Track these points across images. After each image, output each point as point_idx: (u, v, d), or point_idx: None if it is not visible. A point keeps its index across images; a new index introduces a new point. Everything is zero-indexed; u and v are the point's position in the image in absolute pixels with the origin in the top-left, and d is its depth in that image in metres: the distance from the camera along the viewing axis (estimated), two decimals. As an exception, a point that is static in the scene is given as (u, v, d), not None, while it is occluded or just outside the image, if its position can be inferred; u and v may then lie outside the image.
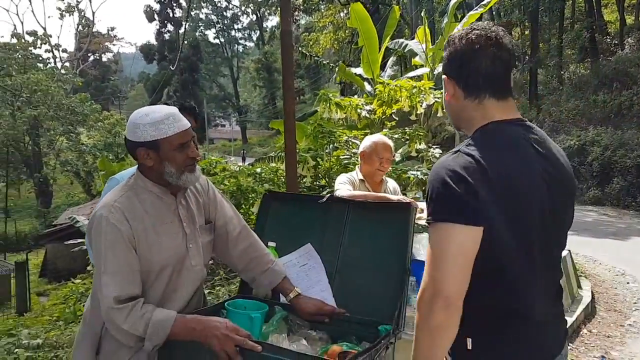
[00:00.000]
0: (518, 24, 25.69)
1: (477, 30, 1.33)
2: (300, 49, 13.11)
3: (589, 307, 5.20)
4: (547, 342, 1.35)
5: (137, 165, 1.70)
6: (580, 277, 6.03)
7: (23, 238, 21.84)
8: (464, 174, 1.20)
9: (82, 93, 24.87)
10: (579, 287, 5.65)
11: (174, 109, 1.64)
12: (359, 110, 7.26)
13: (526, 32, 24.97)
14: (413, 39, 10.46)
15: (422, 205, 2.82)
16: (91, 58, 40.70)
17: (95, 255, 1.54)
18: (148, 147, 1.59)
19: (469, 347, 1.29)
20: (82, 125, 24.18)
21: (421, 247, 2.53)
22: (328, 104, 7.09)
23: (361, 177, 2.97)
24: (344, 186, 2.80)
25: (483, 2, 8.85)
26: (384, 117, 7.09)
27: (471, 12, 8.80)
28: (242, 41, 50.26)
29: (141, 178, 1.65)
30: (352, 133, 6.47)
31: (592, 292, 5.64)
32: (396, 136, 6.32)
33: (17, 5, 41.72)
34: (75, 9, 32.12)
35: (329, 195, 2.11)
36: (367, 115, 7.45)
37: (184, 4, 41.01)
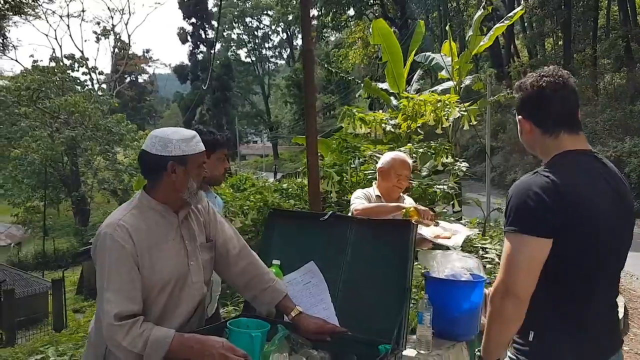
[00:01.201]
0: (551, 34, 25.28)
1: (546, 77, 1.55)
2: (325, 65, 13.17)
3: (621, 324, 4.99)
4: (599, 348, 1.53)
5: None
6: (615, 293, 5.80)
7: (61, 256, 22.46)
8: (540, 192, 1.42)
9: (118, 113, 25.63)
10: (613, 303, 5.42)
11: (196, 132, 1.75)
12: (383, 125, 7.24)
13: (560, 43, 24.53)
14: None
15: (444, 224, 2.79)
16: (128, 79, 42.03)
17: (99, 272, 1.59)
18: (178, 161, 1.66)
19: (530, 338, 1.51)
20: (119, 144, 24.87)
21: (436, 264, 2.48)
22: (352, 119, 7.10)
23: (378, 193, 2.95)
24: (359, 200, 2.80)
25: (510, 15, 8.76)
26: (409, 131, 7.05)
27: (497, 25, 8.70)
28: (273, 59, 51.06)
29: (146, 197, 1.71)
30: (376, 147, 6.45)
31: (625, 307, 5.41)
32: (421, 150, 6.26)
33: (55, 30, 43.56)
34: (111, 32, 33.31)
35: (330, 212, 2.10)
36: (392, 130, 7.43)
37: (216, 25, 42.07)
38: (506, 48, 27.27)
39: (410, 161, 3.00)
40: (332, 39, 41.59)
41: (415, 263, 3.62)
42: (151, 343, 1.50)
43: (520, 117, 1.62)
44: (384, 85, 9.76)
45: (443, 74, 9.32)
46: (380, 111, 8.86)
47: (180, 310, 1.70)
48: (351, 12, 33.44)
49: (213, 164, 2.39)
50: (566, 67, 20.70)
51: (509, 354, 1.56)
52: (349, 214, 2.77)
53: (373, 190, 2.98)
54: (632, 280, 7.19)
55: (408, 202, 3.09)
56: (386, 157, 3.00)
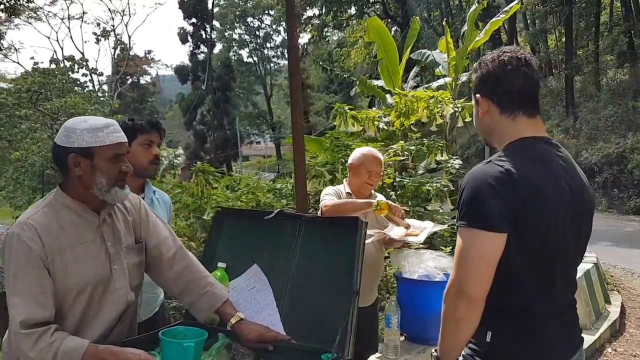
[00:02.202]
0: (553, 31, 25.07)
1: (508, 52, 1.46)
2: (322, 64, 13.06)
3: (617, 324, 4.86)
4: (558, 344, 1.44)
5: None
6: (611, 291, 5.66)
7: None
8: (493, 183, 1.32)
9: (119, 115, 25.60)
10: (607, 302, 5.29)
11: (113, 121, 1.59)
12: (376, 123, 7.14)
13: (562, 39, 24.31)
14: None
15: (414, 222, 2.69)
16: (129, 81, 42.00)
17: (6, 276, 1.47)
18: (80, 154, 1.51)
19: (488, 339, 1.42)
20: (120, 146, 24.76)
21: (407, 264, 2.38)
22: (344, 117, 7.00)
23: (348, 191, 2.85)
24: (329, 197, 2.69)
25: (505, 9, 8.63)
26: (402, 128, 6.95)
27: (493, 20, 8.57)
28: (274, 59, 50.93)
29: (60, 194, 1.57)
30: (367, 145, 6.34)
31: (622, 307, 5.27)
32: (413, 147, 6.15)
33: (57, 33, 43.68)
34: (111, 33, 33.30)
35: (277, 210, 1.99)
36: (386, 128, 7.33)
37: (217, 25, 42.03)
38: (508, 45, 27.02)
39: (382, 157, 2.90)
40: (335, 38, 41.46)
41: (389, 263, 3.53)
42: (61, 355, 1.38)
43: (478, 95, 1.51)
44: (380, 83, 9.67)
45: (439, 70, 9.22)
46: (374, 108, 8.77)
47: (101, 319, 1.56)
48: (352, 10, 33.32)
49: (135, 152, 2.18)
50: (568, 63, 20.62)
51: (463, 353, 1.47)
52: (319, 213, 2.66)
53: (344, 188, 2.88)
54: (633, 278, 7.04)
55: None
56: (356, 153, 2.89)
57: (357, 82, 10.56)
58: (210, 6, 36.17)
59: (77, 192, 1.56)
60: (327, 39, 39.25)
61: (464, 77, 8.60)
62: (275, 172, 32.00)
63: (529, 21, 26.69)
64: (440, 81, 8.98)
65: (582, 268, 4.91)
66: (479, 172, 1.38)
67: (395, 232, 2.52)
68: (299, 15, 31.97)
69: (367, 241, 2.62)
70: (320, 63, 13.33)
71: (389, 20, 31.21)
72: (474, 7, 8.48)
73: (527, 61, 1.45)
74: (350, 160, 2.91)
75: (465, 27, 8.82)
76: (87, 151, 1.51)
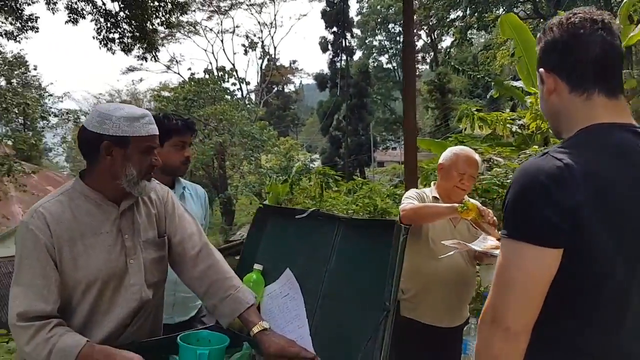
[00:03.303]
0: None
1: (580, 14, 1.15)
2: (457, 66, 12.44)
3: None
4: None
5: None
6: None
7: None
8: (546, 181, 1.03)
9: (261, 121, 27.24)
10: None
11: (148, 112, 1.52)
12: (508, 125, 6.54)
13: None
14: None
15: None
16: (275, 89, 44.58)
17: (14, 265, 1.43)
18: (115, 142, 1.45)
19: None
20: (261, 150, 26.39)
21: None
22: (471, 120, 6.52)
23: (435, 195, 2.53)
24: (408, 201, 2.40)
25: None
26: (538, 131, 6.27)
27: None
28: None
29: (79, 183, 1.51)
30: (495, 150, 5.81)
31: None
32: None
33: (212, 45, 48.22)
34: (257, 45, 35.62)
35: (311, 210, 1.76)
36: (520, 131, 6.68)
37: (358, 32, 42.70)
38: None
39: (478, 158, 2.52)
40: (482, 40, 39.71)
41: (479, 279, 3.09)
42: (56, 352, 1.31)
43: (542, 70, 1.19)
44: (520, 84, 8.90)
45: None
46: (507, 111, 8.05)
47: (112, 316, 1.48)
48: (500, 11, 31.56)
49: (167, 152, 2.17)
50: None
51: None
52: (398, 218, 2.38)
53: (430, 191, 2.56)
54: None
55: None
56: (448, 153, 2.57)
57: (493, 84, 9.83)
58: (351, 14, 36.93)
59: (100, 181, 1.51)
60: (471, 42, 37.67)
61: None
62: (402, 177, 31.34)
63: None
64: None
65: None
66: (530, 167, 1.08)
67: (482, 243, 2.15)
68: (457, 19, 31.13)
69: (445, 255, 2.30)
70: (457, 66, 12.68)
71: (541, 20, 28.99)
72: (628, -2, 7.36)
73: (605, 24, 1.12)
74: (440, 160, 2.60)
75: (617, 21, 7.73)
76: (122, 140, 1.46)
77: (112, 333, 1.49)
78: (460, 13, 32.51)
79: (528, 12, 29.49)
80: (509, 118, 6.41)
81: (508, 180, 5.14)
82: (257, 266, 1.80)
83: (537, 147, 5.56)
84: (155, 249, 1.61)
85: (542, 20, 27.94)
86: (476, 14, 30.55)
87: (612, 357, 1.07)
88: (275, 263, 1.79)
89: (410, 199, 2.46)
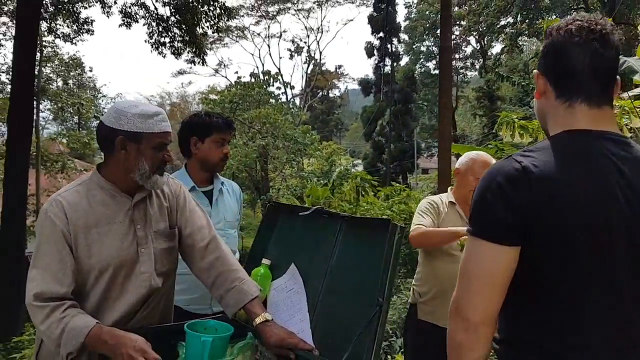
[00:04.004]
0: None
1: (579, 21, 1.16)
2: (506, 75, 12.19)
3: None
4: None
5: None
6: None
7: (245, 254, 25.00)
8: (502, 182, 1.08)
9: (304, 125, 27.47)
10: None
11: (162, 110, 1.61)
12: (549, 134, 6.40)
13: None
14: None
15: None
16: (320, 94, 44.92)
17: (34, 248, 1.54)
18: (129, 137, 1.54)
19: None
20: (304, 154, 26.61)
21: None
22: (511, 127, 6.41)
23: (452, 199, 2.54)
24: (420, 218, 2.42)
25: None
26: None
27: None
28: (462, 70, 49.54)
29: (96, 174, 1.61)
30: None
31: None
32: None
33: (259, 50, 49.15)
34: (303, 50, 36.02)
35: (315, 208, 1.81)
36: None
37: (405, 38, 42.43)
38: None
39: (493, 161, 2.51)
40: (534, 47, 38.73)
41: None
42: (68, 331, 1.40)
43: (536, 71, 1.23)
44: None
45: (637, 78, 7.84)
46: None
47: (123, 301, 1.56)
48: (553, 17, 30.71)
49: (207, 148, 2.28)
50: None
51: None
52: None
53: (447, 197, 2.57)
54: None
55: None
56: (464, 158, 2.57)
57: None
58: (399, 20, 36.77)
59: (115, 174, 1.60)
60: (521, 49, 36.77)
61: (671, 85, 7.20)
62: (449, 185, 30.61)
63: None
64: (637, 90, 7.66)
65: None
66: (492, 169, 1.14)
67: None
68: (507, 26, 30.58)
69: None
70: (502, 73, 12.44)
71: (596, 25, 28.03)
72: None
73: (602, 34, 1.12)
74: (456, 165, 2.61)
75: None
76: (136, 136, 1.55)
77: (123, 317, 1.57)
78: (510, 19, 31.81)
79: (582, 19, 28.58)
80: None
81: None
82: (265, 261, 1.86)
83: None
84: (166, 240, 1.69)
85: (597, 26, 26.96)
86: (527, 21, 29.82)
87: (571, 354, 1.07)
88: (283, 258, 1.85)
89: (422, 216, 2.49)
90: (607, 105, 1.16)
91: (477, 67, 50.50)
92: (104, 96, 26.51)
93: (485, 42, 47.12)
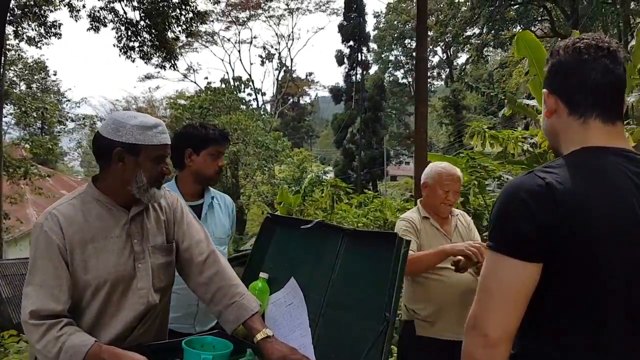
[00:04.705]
0: None
1: (586, 39, 1.19)
2: (472, 84, 12.47)
3: None
4: None
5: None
6: None
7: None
8: (526, 198, 1.07)
9: (275, 131, 27.41)
10: None
11: (161, 122, 1.57)
12: (520, 144, 6.55)
13: None
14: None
15: None
16: (290, 101, 44.93)
17: (29, 264, 1.49)
18: (127, 149, 1.50)
19: None
20: (275, 160, 26.52)
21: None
22: (482, 137, 6.53)
23: (425, 215, 2.56)
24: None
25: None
26: (550, 150, 6.27)
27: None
28: (429, 80, 50.42)
29: (91, 187, 1.56)
30: (505, 168, 5.83)
31: None
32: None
33: (229, 55, 48.78)
34: (274, 57, 35.99)
35: (317, 221, 1.80)
36: (531, 149, 6.69)
37: (374, 47, 42.92)
38: None
39: (459, 173, 2.57)
40: (498, 58, 39.76)
41: None
42: (66, 350, 1.35)
43: (545, 90, 1.24)
44: (534, 102, 8.89)
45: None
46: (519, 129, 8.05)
47: (120, 318, 1.52)
48: (517, 28, 31.56)
49: (203, 160, 2.21)
50: None
51: None
52: None
53: (418, 213, 2.59)
54: None
55: (464, 220, 2.66)
56: (430, 171, 2.60)
57: (506, 102, 9.85)
58: (368, 29, 37.16)
59: (111, 186, 1.56)
60: (486, 59, 37.68)
61: (631, 99, 7.48)
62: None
63: None
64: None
65: None
66: (513, 184, 1.13)
67: None
68: (473, 36, 31.27)
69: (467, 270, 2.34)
70: (471, 83, 12.71)
71: (558, 39, 28.97)
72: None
73: (610, 51, 1.15)
74: (423, 178, 2.64)
75: (633, 42, 7.71)
76: (134, 148, 1.50)
77: (119, 335, 1.53)
78: (476, 30, 32.57)
79: (545, 31, 29.47)
80: (520, 136, 6.41)
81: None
82: (262, 274, 1.83)
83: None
84: (163, 255, 1.64)
85: (559, 38, 27.94)
86: (492, 32, 30.57)
87: None
88: (281, 272, 1.83)
89: (405, 237, 2.47)
90: (620, 121, 1.19)
91: (444, 76, 51.57)
92: (69, 100, 25.85)
93: (451, 53, 48.13)
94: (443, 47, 45.99)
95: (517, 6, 28.64)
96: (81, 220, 1.51)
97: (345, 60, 36.40)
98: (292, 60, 53.87)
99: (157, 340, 1.63)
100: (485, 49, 34.05)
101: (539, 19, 30.92)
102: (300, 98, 47.91)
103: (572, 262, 1.05)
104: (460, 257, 2.29)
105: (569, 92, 1.19)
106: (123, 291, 1.54)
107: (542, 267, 1.07)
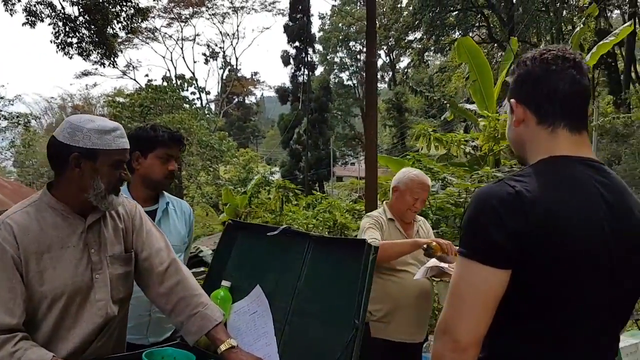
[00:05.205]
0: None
1: (553, 51, 1.22)
2: (415, 87, 12.80)
3: None
4: None
5: None
6: None
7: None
8: (497, 206, 1.09)
9: (220, 131, 26.97)
10: None
11: (120, 125, 1.51)
12: (462, 146, 6.79)
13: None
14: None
15: None
16: (235, 100, 44.43)
17: None
18: (84, 154, 1.43)
19: None
20: (220, 161, 26.10)
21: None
22: (428, 139, 6.73)
23: (390, 217, 2.62)
24: (369, 233, 2.47)
25: (616, 31, 7.87)
26: (490, 153, 6.54)
27: (601, 43, 7.85)
28: (374, 82, 51.09)
29: (46, 194, 1.49)
30: (449, 170, 6.03)
31: None
32: (500, 174, 5.74)
33: (171, 53, 47.23)
34: (219, 55, 35.48)
35: (283, 227, 1.81)
36: (473, 152, 6.95)
37: (320, 48, 43.14)
38: (625, 73, 24.91)
39: (429, 182, 2.65)
40: (437, 62, 40.98)
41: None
42: None
43: (513, 100, 1.25)
44: (474, 107, 9.23)
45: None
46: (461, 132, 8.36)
47: (77, 332, 1.46)
48: (456, 34, 32.65)
49: (150, 163, 2.12)
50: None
51: None
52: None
53: (384, 213, 2.66)
54: None
55: (424, 226, 2.75)
56: (403, 177, 2.65)
57: (448, 106, 10.17)
58: (313, 30, 37.32)
59: (67, 193, 1.49)
60: (427, 63, 38.76)
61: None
62: (362, 193, 31.58)
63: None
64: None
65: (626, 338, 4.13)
66: (484, 192, 1.14)
67: (446, 264, 2.28)
68: (415, 41, 32.02)
69: (418, 276, 2.40)
70: (415, 87, 13.04)
71: (495, 45, 30.18)
72: (578, 28, 7.82)
73: (576, 63, 1.18)
74: (394, 182, 2.70)
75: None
76: (91, 153, 1.45)
77: (77, 348, 1.46)
78: (418, 35, 33.45)
79: (483, 37, 30.62)
80: (463, 139, 6.65)
81: (461, 199, 5.29)
82: (224, 283, 1.79)
83: (489, 168, 5.80)
84: (122, 265, 1.58)
85: (495, 45, 29.11)
86: (433, 37, 31.49)
87: None
88: (244, 280, 1.80)
89: (372, 230, 2.53)
90: (585, 131, 1.22)
91: (387, 79, 52.62)
92: (1, 98, 24.34)
93: (394, 56, 49.20)
94: (386, 51, 46.94)
95: (456, 12, 29.60)
96: (36, 230, 1.44)
97: (291, 60, 36.39)
98: (237, 59, 53.18)
99: (115, 353, 1.58)
100: (426, 53, 35.04)
101: (477, 25, 32.14)
102: (246, 98, 47.50)
103: (541, 268, 1.08)
104: (433, 241, 2.35)
105: (538, 102, 1.21)
106: (80, 303, 1.48)
107: (511, 273, 1.09)
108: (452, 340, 1.09)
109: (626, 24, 8.05)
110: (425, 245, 2.32)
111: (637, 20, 21.43)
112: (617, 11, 26.66)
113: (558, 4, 23.75)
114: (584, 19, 8.10)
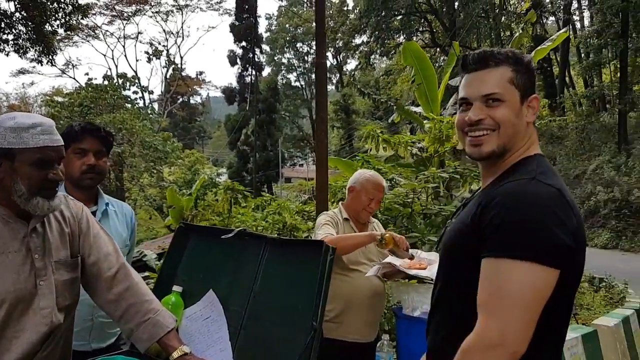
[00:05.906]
0: (607, 65, 24.16)
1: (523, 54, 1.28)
2: (363, 90, 12.96)
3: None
4: None
5: None
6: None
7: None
8: (554, 206, 1.06)
9: (164, 132, 26.31)
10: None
11: (48, 121, 1.42)
12: (409, 148, 6.93)
13: (618, 74, 23.38)
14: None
15: (421, 253, 2.46)
16: (180, 100, 43.49)
17: None
18: (2, 154, 1.35)
19: None
20: (164, 162, 25.45)
21: (409, 299, 2.15)
22: (376, 140, 6.82)
23: (346, 216, 2.64)
24: (326, 229, 2.48)
25: (552, 37, 8.29)
26: (435, 154, 6.71)
27: (538, 48, 8.24)
28: (321, 84, 51.42)
29: None
30: (397, 170, 6.14)
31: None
32: (445, 175, 5.90)
33: (112, 51, 45.47)
34: (162, 53, 34.62)
35: (238, 230, 1.78)
36: (419, 153, 7.11)
37: (267, 49, 42.96)
38: (560, 78, 26.29)
39: (384, 183, 2.69)
40: (383, 65, 41.74)
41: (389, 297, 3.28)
42: None
43: (536, 95, 1.25)
44: (420, 109, 9.44)
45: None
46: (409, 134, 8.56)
47: (20, 341, 1.38)
48: (401, 39, 33.38)
49: (67, 160, 1.97)
50: (622, 98, 19.75)
51: None
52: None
53: (340, 213, 2.68)
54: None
55: (378, 227, 2.80)
56: (359, 177, 2.68)
57: (387, 106, 10.37)
58: (260, 31, 37.10)
59: (1, 197, 1.41)
60: (373, 66, 39.43)
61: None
62: (312, 194, 31.77)
63: (582, 54, 25.88)
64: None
65: (620, 313, 4.47)
66: (531, 193, 1.08)
67: (398, 261, 2.30)
68: (362, 44, 32.45)
69: (370, 274, 2.42)
70: (362, 89, 13.20)
71: (437, 49, 31.10)
72: (517, 34, 8.19)
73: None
74: (351, 182, 2.72)
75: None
76: (7, 152, 1.35)
77: (21, 358, 1.38)
78: (364, 38, 34.00)
79: (426, 41, 31.47)
80: (409, 141, 6.79)
81: (409, 199, 5.38)
82: (176, 288, 1.75)
83: (434, 168, 5.94)
84: (68, 270, 1.51)
85: (437, 49, 30.01)
86: (379, 40, 32.08)
87: None
88: (197, 284, 1.75)
89: (327, 227, 2.53)
90: None
91: (334, 81, 53.16)
92: None
93: (341, 59, 49.77)
94: (334, 53, 47.40)
95: (400, 17, 30.25)
96: None
97: (238, 60, 36.04)
98: (182, 58, 52.07)
99: None
100: (373, 56, 35.66)
101: (421, 29, 33.03)
102: (191, 97, 46.62)
103: (575, 267, 1.09)
104: (387, 233, 2.37)
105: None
106: (23, 311, 1.40)
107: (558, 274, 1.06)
108: (509, 352, 1.01)
109: (562, 30, 8.49)
110: (379, 236, 2.34)
111: (570, 27, 22.71)
112: (552, 18, 28.12)
113: (497, 11, 24.76)
114: (522, 25, 8.46)
